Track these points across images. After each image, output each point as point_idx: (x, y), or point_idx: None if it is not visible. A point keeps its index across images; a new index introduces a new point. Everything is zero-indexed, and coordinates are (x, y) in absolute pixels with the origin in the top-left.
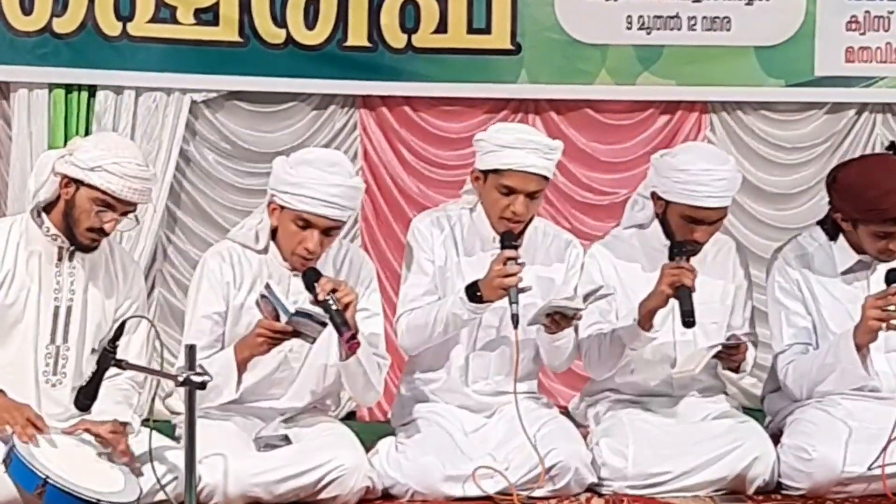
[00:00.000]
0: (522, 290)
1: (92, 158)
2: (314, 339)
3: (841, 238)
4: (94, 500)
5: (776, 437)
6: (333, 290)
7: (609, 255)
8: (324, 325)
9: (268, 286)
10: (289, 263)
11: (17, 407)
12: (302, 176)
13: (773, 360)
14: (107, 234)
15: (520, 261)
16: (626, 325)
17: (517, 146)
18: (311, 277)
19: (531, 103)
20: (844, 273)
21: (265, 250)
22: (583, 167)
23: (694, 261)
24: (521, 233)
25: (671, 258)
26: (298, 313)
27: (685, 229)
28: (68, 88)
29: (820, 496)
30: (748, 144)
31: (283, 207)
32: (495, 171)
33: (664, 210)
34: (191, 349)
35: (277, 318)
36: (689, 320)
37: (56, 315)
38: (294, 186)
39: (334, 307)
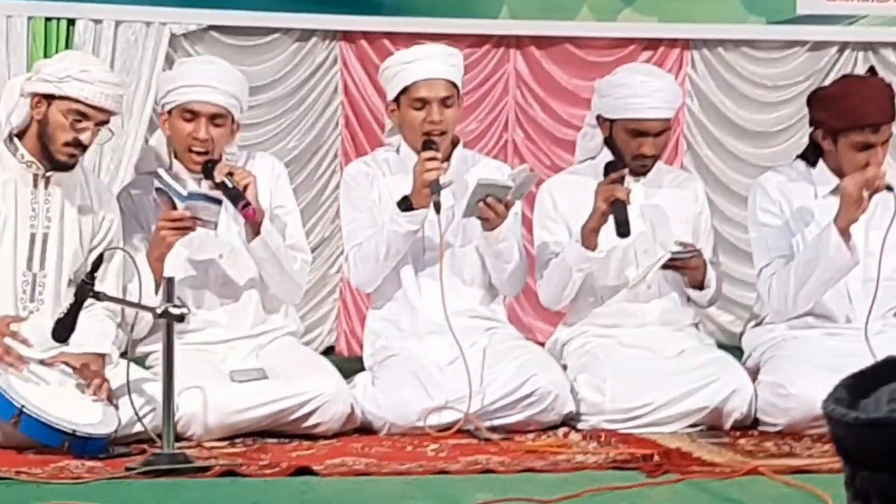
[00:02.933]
0: (444, 186)
1: (60, 70)
2: (215, 224)
3: (820, 163)
4: (70, 431)
5: (753, 374)
6: (230, 174)
7: (564, 188)
8: (219, 202)
9: (157, 174)
10: (187, 162)
11: None
12: (177, 72)
13: (756, 279)
14: (84, 148)
15: (441, 162)
16: (571, 246)
17: (417, 58)
18: (209, 168)
19: (512, 39)
20: (824, 197)
21: (170, 167)
22: (564, 103)
23: (650, 183)
24: (449, 157)
25: (606, 175)
26: (192, 195)
27: (631, 145)
28: (48, 18)
29: (797, 432)
30: (729, 82)
31: (170, 113)
32: (404, 92)
33: (609, 131)
34: (169, 281)
35: (174, 208)
36: (623, 230)
37: (33, 242)
38: (172, 82)
39: (230, 185)
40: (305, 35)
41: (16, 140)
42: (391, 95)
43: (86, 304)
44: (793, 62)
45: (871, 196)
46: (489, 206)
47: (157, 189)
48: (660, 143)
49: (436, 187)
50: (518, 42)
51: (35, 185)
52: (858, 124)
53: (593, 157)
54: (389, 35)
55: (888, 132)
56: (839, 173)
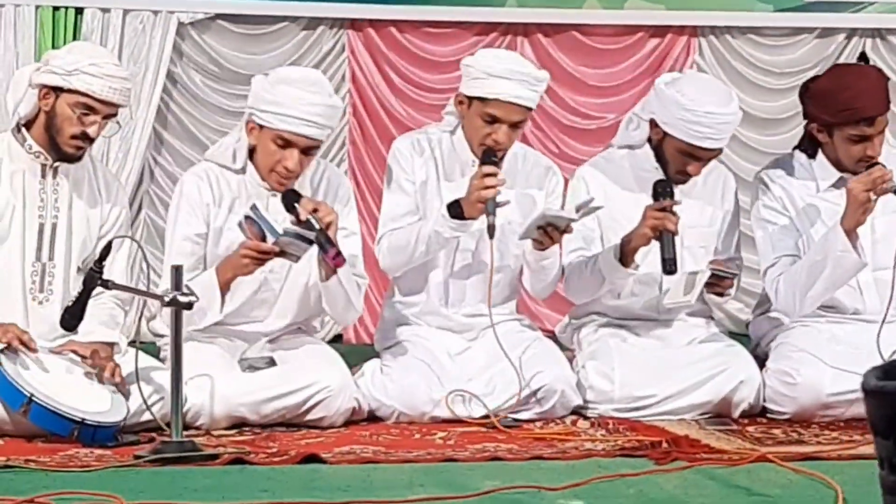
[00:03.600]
0: (500, 204)
1: (69, 63)
2: (298, 258)
3: (820, 156)
4: (79, 419)
5: (761, 362)
6: (315, 210)
7: (598, 176)
8: (310, 242)
9: (254, 207)
10: (267, 183)
11: (2, 328)
12: (282, 95)
13: (763, 279)
14: (91, 141)
15: (499, 177)
16: (608, 258)
17: (505, 76)
18: (290, 198)
19: (520, 27)
20: (826, 191)
21: (243, 170)
22: (571, 91)
23: (686, 191)
24: (502, 158)
25: (655, 198)
26: (286, 233)
27: (679, 161)
28: (55, 7)
29: (805, 420)
30: (737, 69)
31: (262, 126)
32: (480, 99)
33: (661, 139)
34: (177, 270)
35: (263, 239)
36: (670, 269)
37: (41, 232)
38: (274, 105)
39: (317, 226)
40: (313, 23)
41: (24, 130)
42: (465, 91)
43: (94, 292)
44: (801, 49)
45: (878, 197)
46: (548, 234)
47: (248, 217)
48: (707, 165)
49: (491, 207)
50: (525, 30)
51: (43, 176)
52: (853, 118)
53: (633, 146)
54: (397, 23)
55: (884, 122)
56: (838, 165)
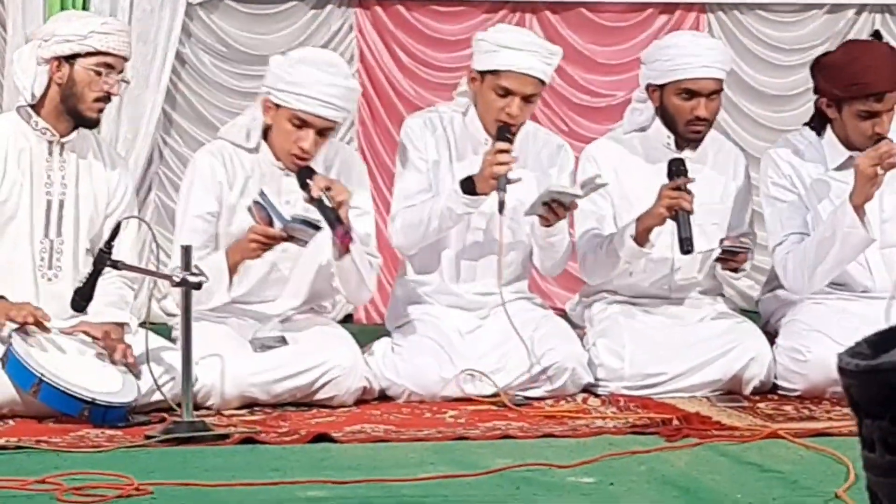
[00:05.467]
0: (511, 181)
1: (80, 27)
2: (306, 243)
3: (829, 133)
4: (90, 400)
5: (771, 339)
6: (327, 188)
7: (608, 154)
8: (318, 228)
9: (262, 193)
10: (282, 163)
11: (17, 306)
12: (301, 75)
13: (771, 256)
14: (109, 100)
15: (513, 154)
16: (623, 238)
17: (517, 47)
18: (304, 175)
19: (528, 4)
20: (836, 169)
21: (256, 149)
22: (580, 69)
23: (696, 159)
24: (515, 135)
25: (669, 177)
26: (294, 219)
27: (684, 109)
28: None
29: (816, 396)
30: (746, 45)
31: (278, 106)
32: (493, 72)
33: (661, 100)
34: (186, 250)
35: (271, 224)
36: (687, 248)
37: (49, 209)
38: (292, 85)
39: (328, 205)
40: (321, 2)
41: (28, 108)
42: (477, 66)
43: (104, 272)
44: (810, 25)
45: (885, 172)
46: (553, 211)
47: (256, 203)
48: (713, 107)
49: (503, 183)
50: (534, 7)
51: (50, 153)
52: (862, 93)
53: (643, 128)
54: (405, 2)
55: (893, 99)
56: (847, 142)
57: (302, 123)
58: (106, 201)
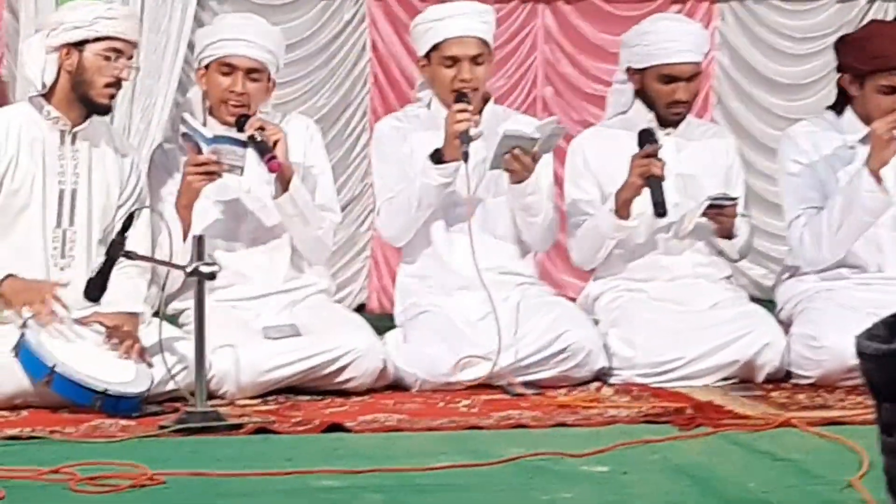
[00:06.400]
0: (473, 137)
1: (87, 13)
2: (241, 169)
3: (848, 112)
4: (102, 390)
5: (785, 327)
6: (261, 129)
7: (594, 143)
8: (244, 145)
9: (183, 119)
10: (222, 116)
11: (36, 287)
12: (216, 27)
13: (788, 230)
14: (120, 86)
15: (478, 122)
16: (604, 214)
17: (448, 15)
18: (242, 122)
19: None
20: (854, 146)
21: (204, 123)
22: (592, 58)
23: (682, 135)
24: (480, 112)
25: (640, 146)
26: (217, 139)
27: (664, 92)
28: None
29: (829, 385)
30: (759, 35)
31: (206, 67)
32: (435, 48)
33: (641, 83)
34: (199, 239)
35: (199, 152)
36: (660, 211)
37: (61, 198)
38: (210, 38)
39: (258, 138)
40: None
41: (40, 98)
42: (422, 51)
43: (117, 262)
44: (822, 14)
45: None
46: (515, 158)
47: (184, 135)
48: (692, 89)
49: (465, 138)
50: None
51: (62, 142)
52: (884, 66)
53: (624, 111)
54: None
55: None
56: (867, 120)
57: (230, 69)
58: (119, 190)
